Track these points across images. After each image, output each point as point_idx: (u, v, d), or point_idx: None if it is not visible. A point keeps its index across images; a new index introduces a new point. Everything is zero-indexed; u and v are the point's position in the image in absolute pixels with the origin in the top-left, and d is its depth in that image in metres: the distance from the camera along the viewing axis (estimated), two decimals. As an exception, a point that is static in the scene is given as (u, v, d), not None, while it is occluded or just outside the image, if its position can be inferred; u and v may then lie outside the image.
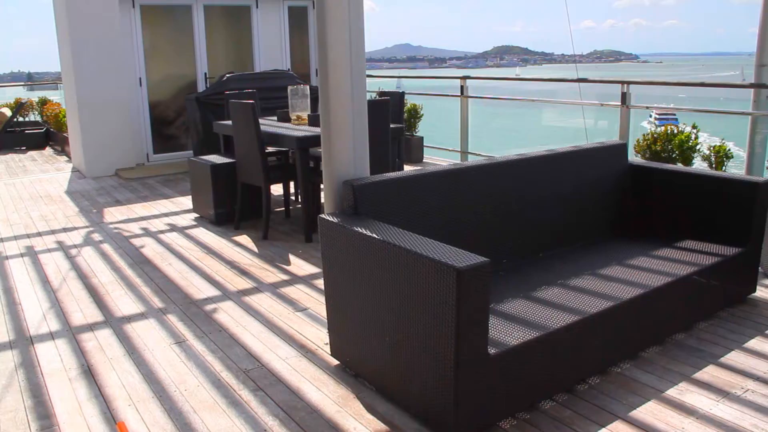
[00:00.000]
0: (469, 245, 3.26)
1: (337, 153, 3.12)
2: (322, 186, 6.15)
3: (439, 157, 9.10)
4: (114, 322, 3.74)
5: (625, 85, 6.58)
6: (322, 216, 2.97)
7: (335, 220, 2.89)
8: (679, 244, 3.72)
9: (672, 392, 2.81)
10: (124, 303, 4.04)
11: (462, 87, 8.60)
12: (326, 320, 3.59)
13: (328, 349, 3.27)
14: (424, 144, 8.93)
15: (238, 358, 3.23)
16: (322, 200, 6.17)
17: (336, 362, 3.14)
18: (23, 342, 3.53)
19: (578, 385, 2.88)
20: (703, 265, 3.39)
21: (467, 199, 3.39)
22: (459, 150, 8.84)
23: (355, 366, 3.01)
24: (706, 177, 3.90)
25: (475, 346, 2.37)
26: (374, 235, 2.63)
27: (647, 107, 6.98)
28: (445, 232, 3.25)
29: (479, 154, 8.86)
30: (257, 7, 9.84)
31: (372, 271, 2.68)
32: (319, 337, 3.45)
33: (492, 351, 2.44)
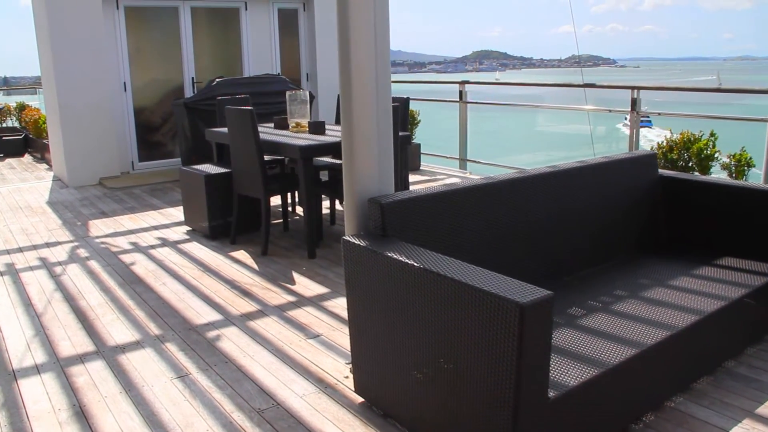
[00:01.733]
0: (503, 267, 2.97)
1: (360, 166, 2.81)
2: (323, 196, 5.86)
3: (438, 165, 8.79)
4: (107, 353, 3.38)
5: (635, 91, 6.36)
6: (347, 238, 2.65)
7: (363, 243, 2.57)
8: (719, 262, 3.45)
9: (738, 431, 2.54)
10: (116, 329, 3.69)
11: (461, 92, 8.34)
12: (343, 349, 3.29)
13: (349, 383, 2.95)
14: (422, 151, 8.62)
15: (249, 396, 2.90)
16: (323, 212, 5.86)
17: (360, 399, 2.82)
18: (6, 377, 3.16)
19: (633, 424, 2.60)
20: (753, 286, 3.12)
21: (499, 217, 3.09)
22: (458, 157, 8.58)
23: (383, 405, 2.70)
24: (746, 189, 3.64)
25: (536, 390, 2.07)
26: (413, 263, 2.32)
27: (659, 114, 6.76)
28: (477, 252, 2.95)
29: (478, 162, 8.61)
30: (246, 9, 9.50)
31: (408, 301, 2.37)
32: (337, 369, 3.12)
33: (551, 394, 2.14)
